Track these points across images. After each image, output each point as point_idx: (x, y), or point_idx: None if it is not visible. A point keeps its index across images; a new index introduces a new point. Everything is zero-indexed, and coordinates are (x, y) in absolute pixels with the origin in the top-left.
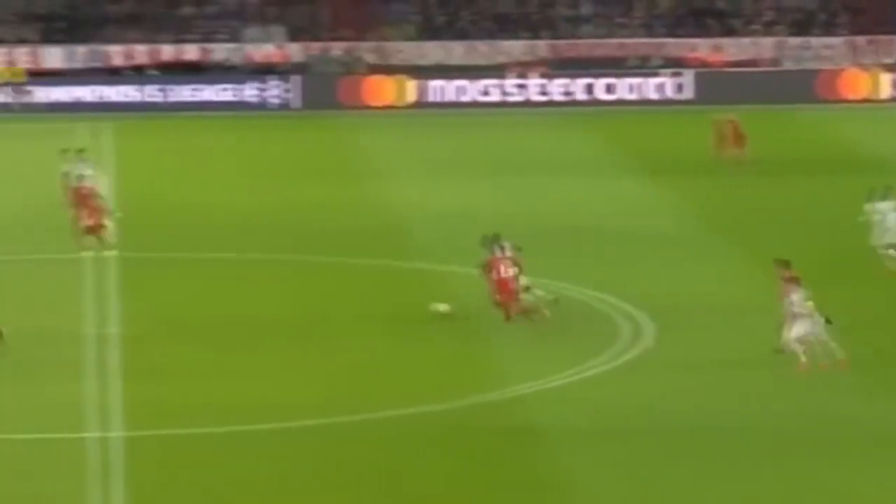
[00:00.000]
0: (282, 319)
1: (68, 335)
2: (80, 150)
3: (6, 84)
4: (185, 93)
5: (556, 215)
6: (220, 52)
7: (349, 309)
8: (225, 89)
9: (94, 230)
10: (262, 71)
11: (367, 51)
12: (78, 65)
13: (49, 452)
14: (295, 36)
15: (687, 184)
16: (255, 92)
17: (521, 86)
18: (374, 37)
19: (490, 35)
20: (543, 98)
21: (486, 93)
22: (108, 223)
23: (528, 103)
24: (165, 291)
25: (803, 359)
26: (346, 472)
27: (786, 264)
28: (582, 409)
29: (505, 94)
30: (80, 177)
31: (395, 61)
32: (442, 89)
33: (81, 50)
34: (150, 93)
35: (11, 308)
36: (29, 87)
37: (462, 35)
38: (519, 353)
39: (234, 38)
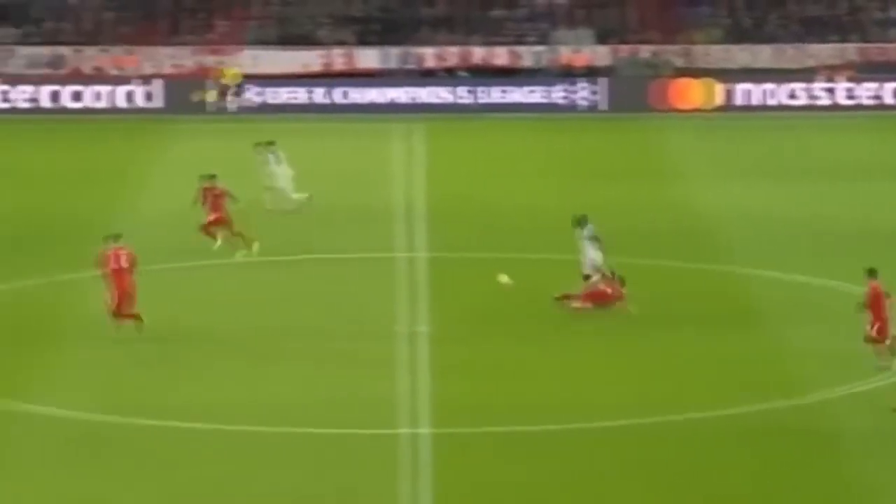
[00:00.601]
0: (587, 319)
1: (380, 332)
2: (270, 143)
3: (226, 85)
4: (494, 94)
5: (862, 219)
6: (529, 54)
7: (652, 310)
8: (533, 91)
9: (215, 226)
10: (570, 73)
11: (674, 54)
12: (391, 66)
13: (360, 447)
14: (603, 39)
15: None
16: (564, 94)
17: (828, 89)
18: (681, 40)
19: (798, 38)
20: (851, 102)
21: (793, 96)
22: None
23: (835, 107)
24: (474, 290)
25: None
26: (651, 472)
27: None
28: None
29: (812, 97)
30: (271, 167)
31: (702, 64)
32: (749, 93)
33: (395, 52)
34: (461, 94)
35: (326, 305)
36: (247, 87)
37: (770, 38)
38: (825, 356)
39: (543, 40)
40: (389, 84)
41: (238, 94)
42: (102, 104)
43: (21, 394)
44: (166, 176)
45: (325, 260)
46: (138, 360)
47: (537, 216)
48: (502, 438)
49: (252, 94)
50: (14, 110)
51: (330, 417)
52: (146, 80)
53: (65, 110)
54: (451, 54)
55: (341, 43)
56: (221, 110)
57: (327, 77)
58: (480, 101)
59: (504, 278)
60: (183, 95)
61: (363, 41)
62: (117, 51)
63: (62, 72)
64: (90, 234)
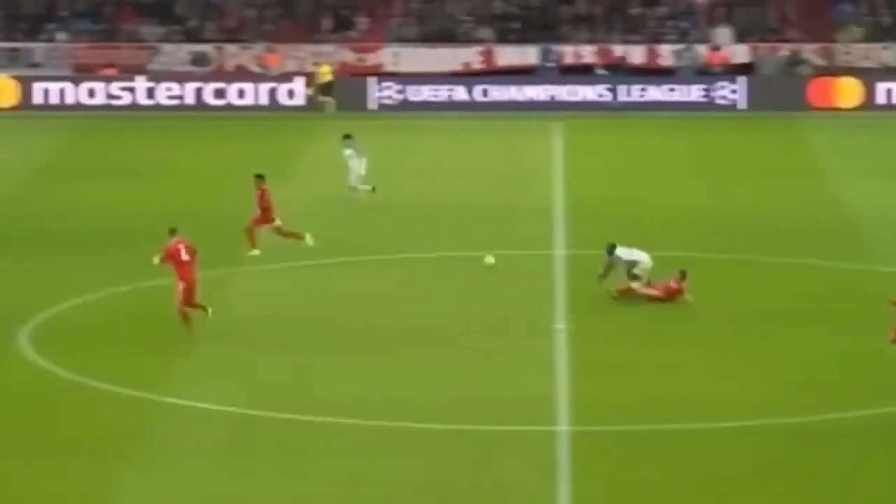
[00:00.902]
0: (727, 318)
1: (520, 329)
2: (347, 136)
3: (323, 84)
4: (634, 92)
5: None
6: (669, 52)
7: (791, 307)
8: (673, 89)
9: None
10: (709, 72)
11: (814, 53)
12: (531, 64)
13: (499, 444)
14: (743, 37)
15: None
16: (703, 92)
17: None
18: (821, 39)
19: None
20: None
21: None
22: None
23: None
24: (613, 288)
25: None
26: (790, 473)
27: None
28: None
29: None
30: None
31: (842, 63)
32: (890, 91)
33: (534, 50)
34: (600, 92)
35: (465, 301)
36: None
37: None
38: None
39: (683, 38)
40: (529, 82)
41: (329, 93)
42: (245, 102)
43: (169, 388)
44: (306, 174)
45: (463, 258)
46: (282, 355)
47: (676, 214)
48: (641, 437)
49: (392, 92)
50: (158, 107)
51: (468, 414)
52: (288, 77)
53: (208, 107)
54: (589, 52)
55: (481, 41)
56: (319, 109)
57: (467, 75)
58: (619, 98)
59: (490, 259)
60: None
61: (503, 39)
62: (259, 48)
63: (205, 70)
64: (234, 231)
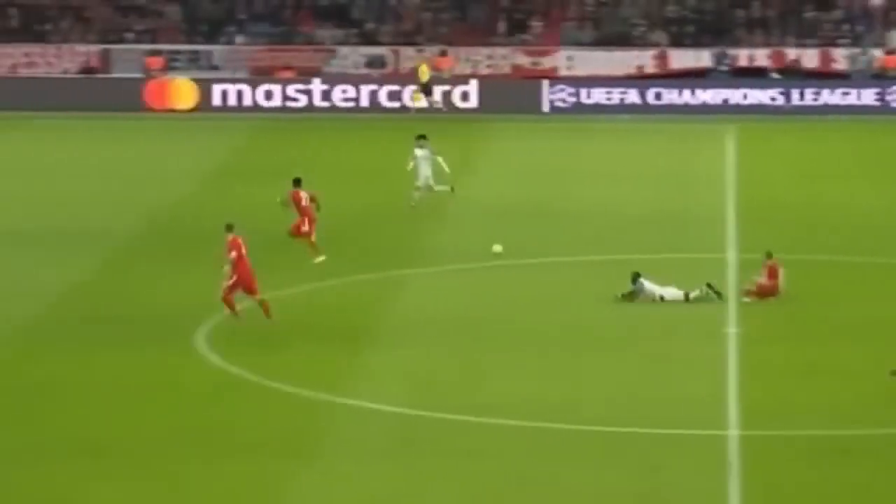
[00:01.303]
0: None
1: (689, 333)
2: (420, 136)
3: (425, 84)
4: (807, 96)
5: None
6: (842, 56)
7: None
8: (847, 93)
9: (300, 234)
10: (884, 76)
11: None
12: (705, 67)
13: (668, 447)
14: None
15: None
16: (876, 96)
17: None
18: None
19: None
20: None
21: None
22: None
23: None
24: (785, 292)
25: None
26: None
27: None
28: None
29: None
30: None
31: None
32: None
33: (707, 53)
34: (773, 96)
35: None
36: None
37: None
38: None
39: (857, 42)
40: (702, 85)
41: (429, 92)
42: (418, 104)
43: (342, 388)
44: (479, 176)
45: (635, 261)
46: (453, 356)
47: (851, 218)
48: (812, 441)
49: (565, 95)
50: (334, 109)
51: (638, 417)
52: (461, 80)
53: (382, 110)
54: (763, 56)
55: (655, 44)
56: (410, 109)
57: (640, 78)
58: (792, 102)
59: (497, 248)
60: (498, 96)
61: (677, 42)
62: (433, 51)
63: (380, 72)
64: (412, 232)
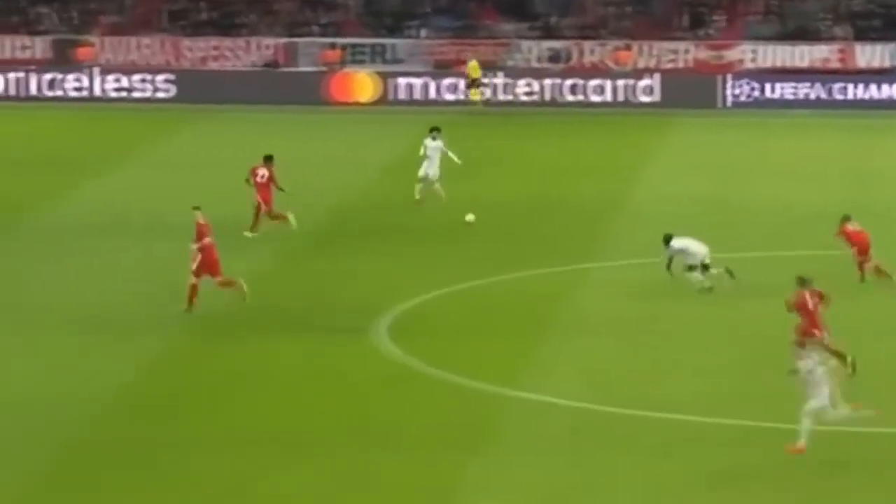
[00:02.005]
0: None
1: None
2: (434, 129)
3: (474, 79)
4: None
5: None
6: None
7: None
8: None
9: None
10: None
11: None
12: (891, 63)
13: (854, 446)
14: None
15: None
16: None
17: None
18: None
19: None
20: None
21: None
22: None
23: None
24: None
25: None
26: None
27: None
28: None
29: None
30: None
31: None
32: None
33: (893, 47)
34: None
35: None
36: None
37: None
38: None
39: None
40: (887, 80)
41: (478, 86)
42: (601, 98)
43: (516, 381)
44: (658, 170)
45: (819, 257)
46: (627, 350)
47: None
48: None
49: (747, 89)
50: (515, 103)
51: None
52: (643, 74)
53: (564, 103)
54: None
55: (839, 38)
56: (468, 104)
57: (824, 73)
58: None
59: (470, 217)
60: (679, 90)
61: (861, 37)
62: (616, 45)
63: (562, 66)
64: (587, 225)
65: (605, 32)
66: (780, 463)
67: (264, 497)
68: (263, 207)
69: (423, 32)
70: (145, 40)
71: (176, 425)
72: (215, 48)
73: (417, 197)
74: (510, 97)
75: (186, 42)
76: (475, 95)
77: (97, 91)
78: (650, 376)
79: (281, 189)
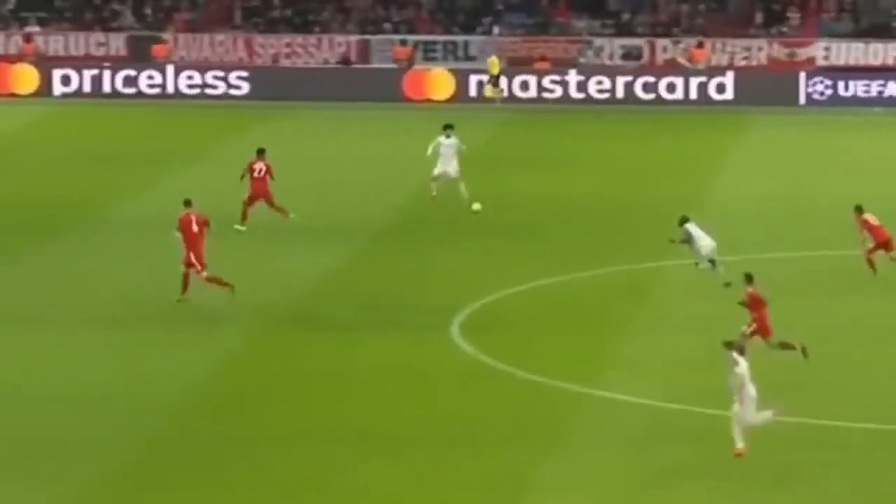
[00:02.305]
0: None
1: None
2: (448, 126)
3: (494, 76)
4: None
5: None
6: None
7: None
8: None
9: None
10: None
11: None
12: None
13: None
14: None
15: None
16: None
17: None
18: None
19: None
20: None
21: None
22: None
23: None
24: None
25: None
26: None
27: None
28: None
29: None
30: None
31: None
32: None
33: None
34: None
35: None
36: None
37: None
38: None
39: None
40: None
41: (497, 83)
42: (674, 96)
43: (593, 379)
44: (734, 168)
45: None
46: (704, 349)
47: None
48: None
49: (823, 87)
50: (588, 101)
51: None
52: (717, 72)
53: (637, 101)
54: None
55: None
56: (489, 101)
57: None
58: None
59: (476, 206)
60: (754, 88)
61: None
62: (689, 42)
63: (636, 63)
64: (664, 223)
65: (678, 30)
66: (863, 462)
67: (340, 492)
68: (247, 198)
69: (496, 30)
70: (219, 37)
71: (252, 421)
72: (288, 45)
73: (434, 194)
74: (583, 95)
75: (260, 39)
76: (494, 93)
77: (171, 88)
78: (722, 375)
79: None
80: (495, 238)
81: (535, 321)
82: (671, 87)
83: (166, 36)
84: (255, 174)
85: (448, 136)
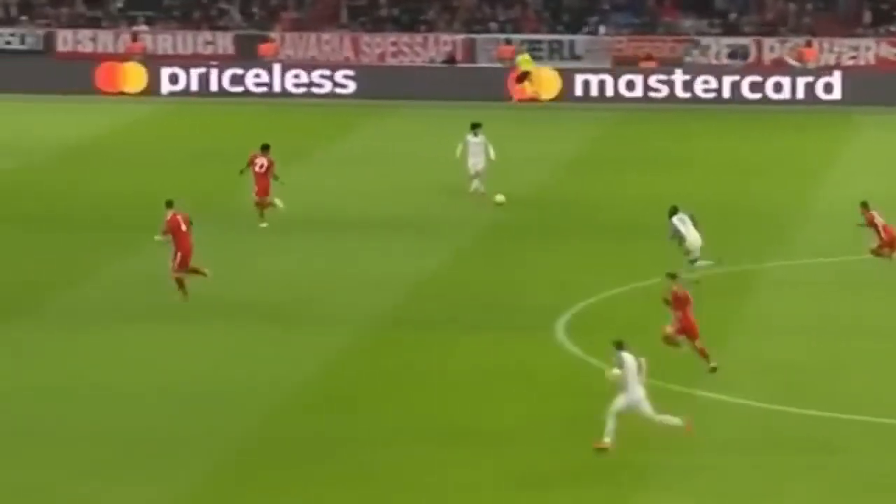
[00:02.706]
0: None
1: None
2: (475, 125)
3: (524, 73)
4: None
5: None
6: None
7: None
8: None
9: (261, 205)
10: None
11: None
12: None
13: None
14: None
15: None
16: None
17: None
18: None
19: None
20: None
21: None
22: (277, 201)
23: None
24: None
25: None
26: None
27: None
28: None
29: None
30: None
31: None
32: None
33: None
34: None
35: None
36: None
37: None
38: None
39: None
40: None
41: (527, 80)
42: (781, 96)
43: (698, 381)
44: (841, 169)
45: None
46: (812, 351)
47: None
48: None
49: None
50: (695, 100)
51: None
52: (825, 71)
53: (744, 101)
54: None
55: None
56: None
57: None
58: None
59: (500, 197)
60: (862, 88)
61: None
62: (797, 42)
63: (742, 63)
64: (774, 223)
65: (784, 30)
66: None
67: (442, 491)
68: (257, 196)
69: (603, 29)
70: (326, 36)
71: (355, 419)
72: (394, 44)
73: (473, 189)
74: (689, 95)
75: (366, 38)
76: (527, 88)
77: (277, 87)
78: (835, 376)
79: (276, 178)
80: (601, 238)
81: (642, 321)
82: (778, 87)
83: (273, 35)
84: (257, 169)
85: (476, 135)
